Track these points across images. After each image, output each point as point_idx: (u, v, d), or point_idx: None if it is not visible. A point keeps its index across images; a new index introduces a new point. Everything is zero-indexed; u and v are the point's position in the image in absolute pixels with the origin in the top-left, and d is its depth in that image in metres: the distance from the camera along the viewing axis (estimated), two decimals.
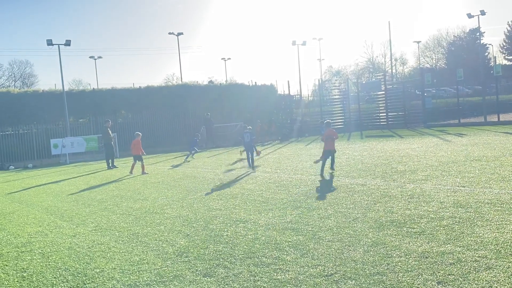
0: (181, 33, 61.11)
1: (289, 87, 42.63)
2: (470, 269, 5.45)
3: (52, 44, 33.68)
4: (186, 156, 24.79)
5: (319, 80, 52.32)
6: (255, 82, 42.79)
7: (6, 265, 7.09)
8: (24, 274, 6.60)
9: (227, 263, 6.38)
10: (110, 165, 22.65)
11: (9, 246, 8.23)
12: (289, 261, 6.24)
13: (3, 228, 9.92)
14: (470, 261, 5.70)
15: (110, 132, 23.53)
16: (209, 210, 10.06)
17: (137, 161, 19.14)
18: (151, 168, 20.61)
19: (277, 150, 25.48)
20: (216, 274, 5.99)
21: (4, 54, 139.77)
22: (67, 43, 34.13)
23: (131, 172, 18.86)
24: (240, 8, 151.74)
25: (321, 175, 14.02)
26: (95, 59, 75.02)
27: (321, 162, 14.65)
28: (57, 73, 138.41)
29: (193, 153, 25.15)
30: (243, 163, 19.18)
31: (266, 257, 6.48)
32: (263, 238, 7.43)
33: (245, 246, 7.05)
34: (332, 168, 14.74)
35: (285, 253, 6.59)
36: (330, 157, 14.71)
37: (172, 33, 60.79)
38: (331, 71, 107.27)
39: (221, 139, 34.86)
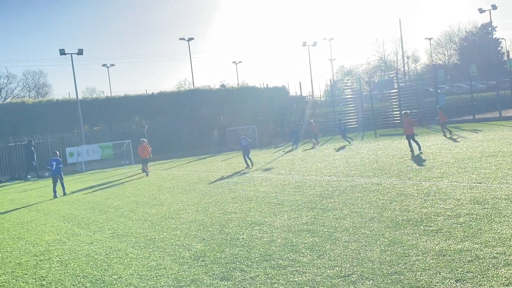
0: (192, 39, 61.45)
1: (300, 88, 42.68)
2: (488, 266, 5.39)
3: (65, 54, 33.97)
4: (292, 145, 28.21)
5: (330, 80, 52.20)
6: (267, 84, 42.88)
7: (25, 274, 7.16)
8: (43, 282, 6.67)
9: (243, 266, 6.38)
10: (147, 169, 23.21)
11: (28, 255, 8.32)
12: (306, 262, 6.23)
13: (22, 237, 10.03)
14: (489, 258, 5.64)
15: (146, 136, 24.64)
16: (224, 213, 10.08)
17: (145, 164, 21.44)
18: (167, 173, 20.73)
19: (291, 152, 25.43)
20: (233, 277, 6.00)
21: (18, 65, 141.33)
22: (80, 52, 34.40)
23: (146, 174, 20.89)
24: (249, 12, 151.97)
25: (411, 151, 17.79)
26: (107, 67, 75.47)
27: (415, 145, 18.08)
28: (71, 82, 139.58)
29: (296, 142, 28.40)
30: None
31: (282, 259, 6.48)
32: (279, 240, 7.42)
33: (261, 249, 7.05)
34: (419, 150, 17.49)
35: (301, 254, 6.58)
36: (410, 139, 18.16)
37: (183, 39, 61.12)
38: (343, 70, 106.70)
39: (234, 142, 34.89)
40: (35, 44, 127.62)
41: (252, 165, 19.44)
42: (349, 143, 26.31)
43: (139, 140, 24.19)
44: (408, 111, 20.63)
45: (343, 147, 24.14)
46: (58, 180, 17.20)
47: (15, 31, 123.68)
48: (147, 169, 21.40)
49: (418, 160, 15.23)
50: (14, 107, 33.64)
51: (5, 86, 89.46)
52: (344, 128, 27.90)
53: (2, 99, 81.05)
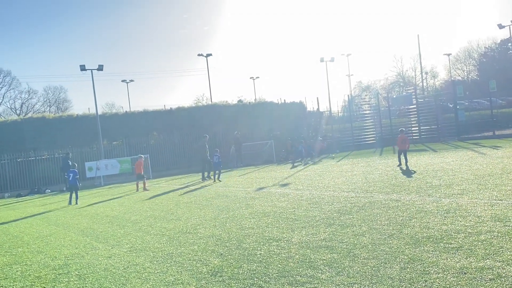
0: (210, 54, 61.91)
1: (318, 103, 42.74)
2: (510, 284, 5.29)
3: (85, 69, 34.49)
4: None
5: (348, 95, 52.10)
6: (284, 100, 42.93)
7: (45, 287, 7.20)
8: None
9: (261, 282, 6.34)
10: (205, 176, 24.58)
11: (47, 269, 8.38)
12: (324, 279, 6.17)
13: (41, 250, 10.11)
14: (511, 276, 5.53)
15: (207, 146, 25.52)
16: (241, 229, 10.05)
17: (139, 180, 22.62)
18: (185, 188, 20.81)
19: (308, 167, 25.36)
20: None
21: (39, 81, 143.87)
22: (100, 68, 34.88)
23: (137, 190, 22.15)
24: (267, 27, 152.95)
25: (399, 165, 19.84)
26: (127, 83, 76.35)
27: (397, 158, 20.69)
28: (91, 97, 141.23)
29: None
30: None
31: (300, 275, 6.42)
32: (297, 256, 7.38)
33: (279, 265, 7.01)
34: (406, 165, 19.41)
35: (319, 271, 6.52)
36: (402, 154, 20.18)
37: (201, 55, 61.61)
38: (361, 86, 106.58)
39: (251, 158, 34.93)
40: (56, 60, 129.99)
41: (214, 180, 22.42)
42: (300, 163, 28.99)
43: (197, 150, 26.20)
44: (403, 129, 22.78)
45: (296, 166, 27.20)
46: (73, 190, 19.29)
47: (36, 47, 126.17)
48: (141, 185, 22.53)
49: (438, 176, 15.07)
50: (35, 122, 34.15)
51: (26, 101, 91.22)
52: (304, 149, 31.52)
53: (24, 114, 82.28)
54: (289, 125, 39.76)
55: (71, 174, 19.37)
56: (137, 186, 22.40)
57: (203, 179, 24.23)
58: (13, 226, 14.51)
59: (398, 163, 20.46)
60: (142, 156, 23.68)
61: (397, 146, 20.79)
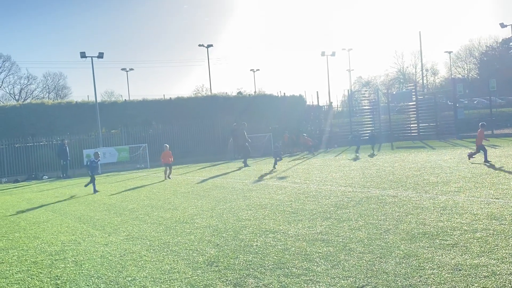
0: (211, 45, 61.76)
1: (318, 97, 42.74)
2: (505, 282, 5.32)
3: (86, 57, 34.36)
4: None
5: (348, 90, 52.09)
6: (284, 93, 42.89)
7: (41, 273, 7.23)
8: (58, 282, 6.72)
9: (257, 273, 6.37)
10: (245, 164, 24.95)
11: (43, 254, 8.40)
12: (320, 272, 6.20)
13: (38, 236, 10.13)
14: (505, 274, 5.57)
15: (246, 133, 25.97)
16: (238, 220, 10.08)
17: (169, 167, 22.09)
18: (183, 178, 20.83)
19: (306, 161, 25.39)
20: (246, 284, 5.99)
21: (38, 67, 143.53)
22: (100, 56, 34.76)
23: (169, 177, 21.61)
24: (268, 20, 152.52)
25: (487, 162, 17.33)
26: (127, 71, 76.20)
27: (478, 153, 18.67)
28: (90, 85, 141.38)
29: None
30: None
31: (296, 268, 6.45)
32: (293, 249, 7.40)
33: (275, 257, 7.04)
34: (486, 161, 17.50)
35: (315, 264, 6.55)
36: (481, 151, 18.24)
37: (202, 45, 61.44)
38: (361, 81, 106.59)
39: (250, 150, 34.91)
40: (55, 46, 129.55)
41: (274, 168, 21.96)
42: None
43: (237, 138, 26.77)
44: (485, 123, 19.86)
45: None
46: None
47: (36, 33, 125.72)
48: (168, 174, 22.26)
49: (436, 173, 15.11)
50: (33, 108, 34.10)
51: (25, 87, 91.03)
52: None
53: (22, 100, 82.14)
54: (288, 118, 39.74)
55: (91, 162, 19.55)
56: (170, 172, 22.11)
57: (245, 165, 24.72)
58: (10, 211, 14.53)
59: (484, 160, 17.64)
60: (167, 145, 23.25)
61: (477, 141, 18.67)
